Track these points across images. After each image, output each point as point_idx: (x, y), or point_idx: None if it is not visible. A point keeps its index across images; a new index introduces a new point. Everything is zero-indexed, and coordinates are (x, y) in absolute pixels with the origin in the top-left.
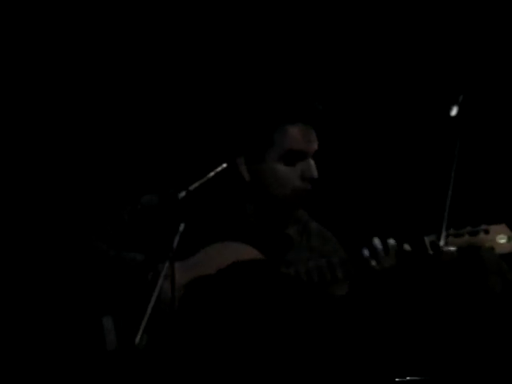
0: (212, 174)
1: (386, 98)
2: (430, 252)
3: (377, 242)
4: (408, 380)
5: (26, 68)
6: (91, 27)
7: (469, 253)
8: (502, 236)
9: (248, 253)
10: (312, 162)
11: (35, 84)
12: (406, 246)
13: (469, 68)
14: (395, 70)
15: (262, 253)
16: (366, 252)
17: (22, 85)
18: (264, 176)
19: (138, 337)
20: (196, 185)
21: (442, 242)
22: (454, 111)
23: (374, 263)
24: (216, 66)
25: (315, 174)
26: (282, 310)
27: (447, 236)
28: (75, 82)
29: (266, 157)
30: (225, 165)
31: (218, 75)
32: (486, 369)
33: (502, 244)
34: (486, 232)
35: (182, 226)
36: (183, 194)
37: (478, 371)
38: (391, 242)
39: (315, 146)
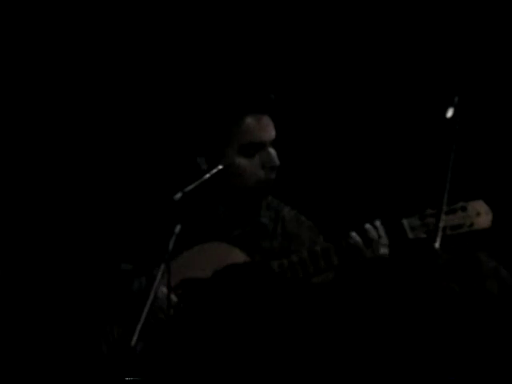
0: (208, 175)
1: (380, 98)
2: (410, 235)
3: (370, 229)
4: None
5: (26, 68)
6: (91, 27)
7: (466, 256)
8: (479, 211)
9: (229, 252)
10: (271, 151)
11: (35, 84)
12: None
13: (464, 69)
14: (391, 71)
15: (239, 246)
16: (356, 238)
17: (22, 85)
18: (226, 172)
19: (134, 340)
20: (191, 187)
21: (437, 244)
22: (449, 113)
23: (365, 250)
24: (171, 62)
25: (276, 162)
26: (270, 308)
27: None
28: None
29: (225, 152)
30: (220, 166)
31: (170, 71)
32: (484, 370)
33: (480, 219)
34: (464, 209)
35: (177, 228)
36: (179, 195)
37: (476, 373)
38: (378, 224)
39: (272, 134)
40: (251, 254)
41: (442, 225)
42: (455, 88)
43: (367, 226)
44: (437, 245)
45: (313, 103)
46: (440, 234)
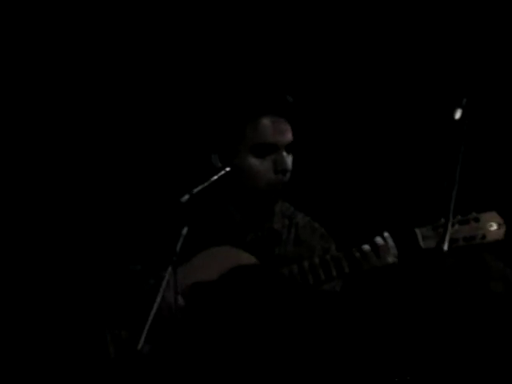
0: (215, 177)
1: (389, 101)
2: (422, 244)
3: (379, 239)
4: (408, 380)
5: (26, 68)
6: (91, 27)
7: (472, 258)
8: (492, 223)
9: (240, 257)
10: (284, 154)
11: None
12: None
13: (472, 71)
14: (399, 73)
15: (251, 251)
16: (366, 247)
17: (22, 85)
18: (238, 171)
19: (141, 343)
20: (199, 188)
21: (445, 247)
22: (457, 114)
23: (374, 260)
24: (186, 63)
25: (287, 166)
26: (278, 312)
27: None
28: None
29: (239, 152)
30: (228, 168)
31: (188, 72)
32: (487, 371)
33: (492, 231)
34: (476, 220)
35: (185, 230)
36: (186, 197)
37: (479, 373)
38: (386, 234)
39: (288, 137)
40: (263, 260)
41: (450, 227)
42: (463, 90)
43: (377, 238)
44: (445, 247)
45: (329, 112)
46: (449, 236)
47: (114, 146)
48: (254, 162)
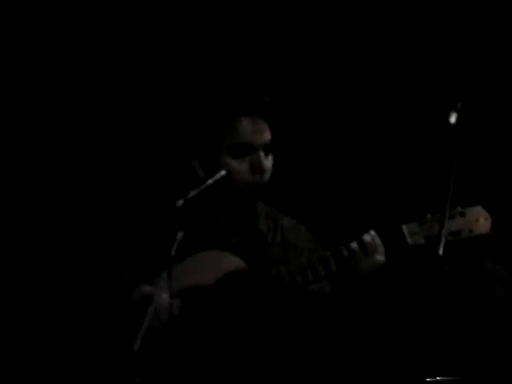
0: (210, 181)
1: (384, 104)
2: (410, 241)
3: (367, 237)
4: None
5: (26, 68)
6: (91, 27)
7: (471, 262)
8: (478, 217)
9: (227, 260)
10: (262, 154)
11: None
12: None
13: (467, 75)
14: (394, 76)
15: (237, 254)
16: (353, 245)
17: (23, 86)
18: (217, 172)
19: (137, 344)
20: (194, 193)
21: (440, 251)
22: (452, 118)
23: (362, 258)
24: (166, 62)
25: (265, 166)
26: (268, 313)
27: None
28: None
29: (217, 153)
30: (223, 172)
31: (166, 73)
32: (487, 372)
33: (478, 225)
34: (462, 215)
35: (179, 235)
36: (181, 202)
37: (479, 374)
38: (372, 233)
39: (265, 138)
40: (250, 263)
41: (445, 231)
42: (458, 94)
43: (365, 235)
44: (440, 251)
45: (311, 108)
46: (443, 240)
47: (105, 152)
48: (231, 162)
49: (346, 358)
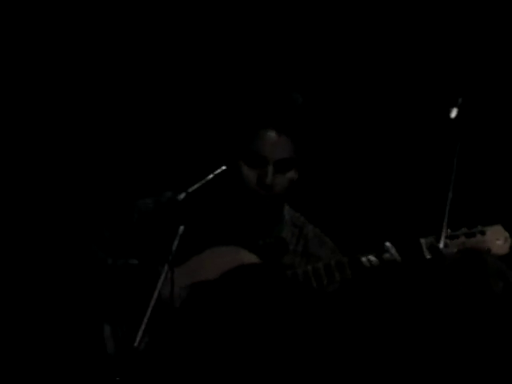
0: (211, 176)
1: (385, 101)
2: (427, 256)
3: (388, 245)
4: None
5: (26, 68)
6: (91, 27)
7: (472, 257)
8: (498, 237)
9: (245, 257)
10: (270, 170)
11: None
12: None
13: (468, 70)
14: (394, 72)
15: (258, 256)
16: (371, 256)
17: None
18: (236, 172)
19: (138, 340)
20: (195, 187)
21: (441, 245)
22: (453, 113)
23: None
24: (193, 68)
25: (269, 182)
26: (280, 312)
27: (446, 237)
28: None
29: (237, 153)
30: (224, 167)
31: (195, 77)
32: (487, 370)
33: (498, 245)
34: (483, 233)
35: (181, 229)
36: (182, 196)
37: (479, 373)
38: (388, 245)
39: (279, 154)
40: (270, 266)
41: (445, 224)
42: (459, 89)
43: (385, 254)
44: (441, 245)
45: (329, 120)
46: (445, 234)
47: (112, 145)
48: (242, 167)
49: (348, 357)
